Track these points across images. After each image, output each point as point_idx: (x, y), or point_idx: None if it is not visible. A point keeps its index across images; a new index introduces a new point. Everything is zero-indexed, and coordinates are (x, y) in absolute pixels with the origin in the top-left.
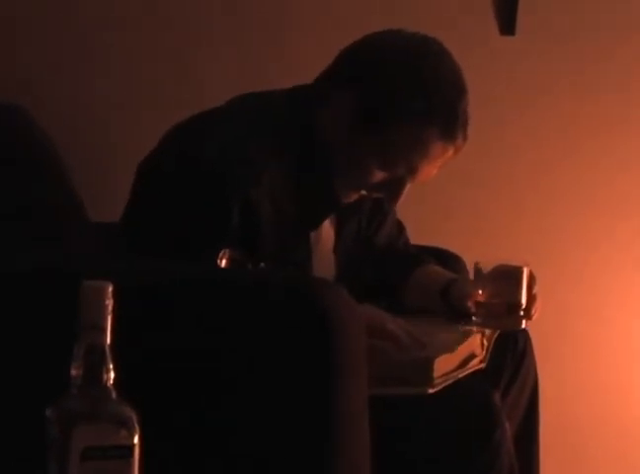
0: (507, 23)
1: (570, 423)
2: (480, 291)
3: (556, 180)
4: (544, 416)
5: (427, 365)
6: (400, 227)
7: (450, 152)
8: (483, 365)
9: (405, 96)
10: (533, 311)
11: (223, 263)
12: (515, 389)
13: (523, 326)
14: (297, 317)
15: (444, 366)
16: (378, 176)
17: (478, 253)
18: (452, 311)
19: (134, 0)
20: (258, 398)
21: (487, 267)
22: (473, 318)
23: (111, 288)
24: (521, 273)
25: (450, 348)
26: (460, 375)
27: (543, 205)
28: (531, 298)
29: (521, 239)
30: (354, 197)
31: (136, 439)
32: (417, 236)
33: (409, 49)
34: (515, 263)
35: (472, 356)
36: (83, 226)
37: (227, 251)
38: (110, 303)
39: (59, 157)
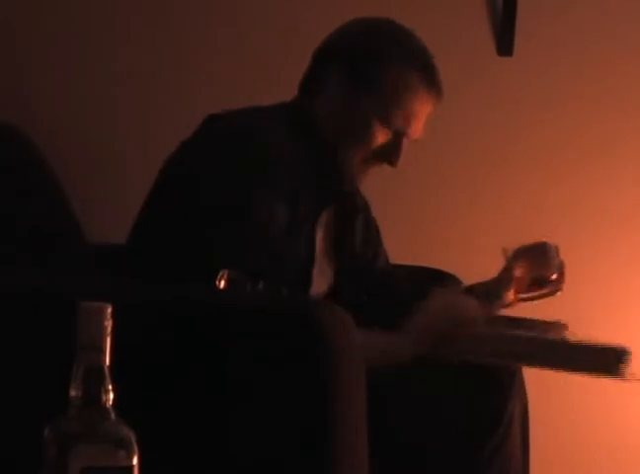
0: (505, 43)
1: (561, 441)
2: (514, 273)
3: (555, 199)
4: (535, 431)
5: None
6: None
7: (431, 102)
8: None
9: (383, 48)
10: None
11: (222, 283)
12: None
13: (562, 290)
14: (295, 340)
15: None
16: (380, 135)
17: (475, 272)
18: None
19: (134, 18)
20: (256, 420)
21: (510, 251)
22: (520, 295)
23: (109, 309)
24: (546, 245)
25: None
26: None
27: (544, 225)
28: (560, 266)
29: None
30: (362, 173)
31: (135, 460)
32: (414, 256)
33: (374, 21)
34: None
35: None
36: (79, 247)
37: (226, 271)
38: (109, 324)
39: (55, 177)
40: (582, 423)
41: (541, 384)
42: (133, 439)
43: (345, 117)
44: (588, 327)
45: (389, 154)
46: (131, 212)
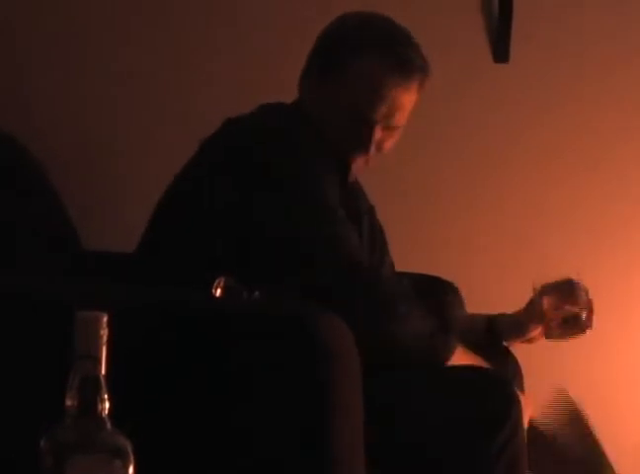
0: (501, 50)
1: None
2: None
3: (553, 204)
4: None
5: None
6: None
7: (404, 89)
8: None
9: (348, 39)
10: (592, 317)
11: (218, 291)
12: None
13: (587, 332)
14: (293, 343)
15: None
16: (353, 126)
17: (474, 275)
18: (495, 343)
19: (134, 19)
20: (255, 423)
21: (539, 286)
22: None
23: (105, 318)
24: (576, 283)
25: None
26: None
27: (540, 231)
28: (589, 305)
29: (522, 267)
30: (354, 162)
31: (131, 470)
32: (414, 259)
33: (354, 14)
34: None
35: None
36: (77, 254)
37: (223, 279)
38: (105, 333)
39: (53, 184)
40: None
41: (542, 384)
42: (129, 449)
43: (320, 109)
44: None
45: (360, 141)
46: (130, 220)
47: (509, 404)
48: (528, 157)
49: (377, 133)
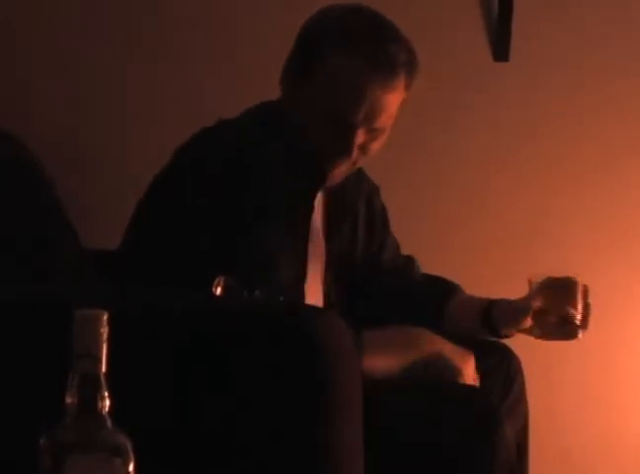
0: (501, 49)
1: (560, 445)
2: (536, 304)
3: (554, 205)
4: (535, 438)
5: None
6: (399, 249)
7: (381, 88)
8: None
9: (319, 36)
10: (588, 321)
11: (218, 290)
12: (507, 404)
13: (580, 336)
14: (292, 348)
15: None
16: (328, 128)
17: (476, 278)
18: (493, 333)
19: (134, 19)
20: (252, 428)
21: (538, 280)
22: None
23: (105, 317)
24: (575, 283)
25: None
26: None
27: (543, 231)
28: (586, 308)
29: (525, 268)
30: (337, 166)
31: (131, 468)
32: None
33: (328, 11)
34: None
35: None
36: (76, 253)
37: (222, 278)
38: (105, 331)
39: (52, 183)
40: (580, 424)
41: (543, 384)
42: (130, 447)
43: (297, 110)
44: (589, 335)
45: (341, 145)
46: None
47: (490, 425)
48: (529, 156)
49: (359, 137)
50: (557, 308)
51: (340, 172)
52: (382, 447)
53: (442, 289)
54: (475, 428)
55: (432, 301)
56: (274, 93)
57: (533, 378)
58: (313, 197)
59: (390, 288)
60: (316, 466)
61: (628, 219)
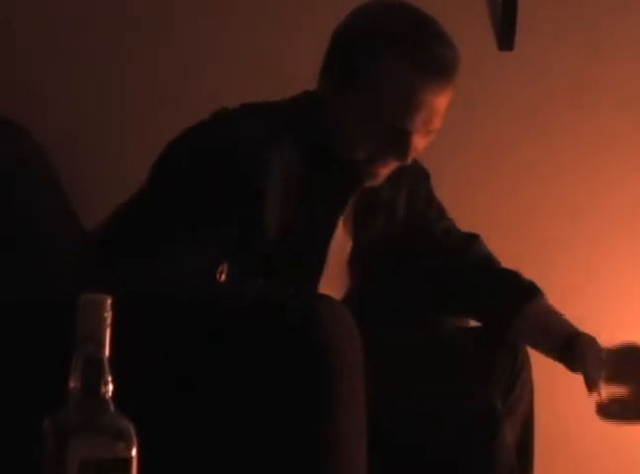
0: (505, 38)
1: (565, 436)
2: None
3: (558, 194)
4: (540, 429)
5: None
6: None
7: (434, 92)
8: None
9: (368, 40)
10: None
11: (222, 277)
12: (510, 402)
13: None
14: (295, 337)
15: None
16: (377, 133)
17: None
18: (571, 363)
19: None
20: (255, 410)
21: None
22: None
23: (109, 301)
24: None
25: None
26: None
27: (547, 223)
28: None
29: (524, 260)
30: (379, 170)
31: (134, 452)
32: None
33: (373, 7)
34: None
35: None
36: (79, 239)
37: (227, 265)
38: (108, 316)
39: (54, 170)
40: (589, 428)
41: (545, 384)
42: (132, 431)
43: (340, 114)
44: (582, 327)
45: (396, 152)
46: None
47: (492, 429)
48: (532, 145)
49: (415, 142)
50: (617, 386)
51: (385, 173)
52: (383, 447)
53: (523, 286)
54: (475, 428)
55: (508, 296)
56: (275, 93)
57: (540, 381)
58: (347, 199)
59: (442, 273)
60: (320, 457)
61: (628, 207)
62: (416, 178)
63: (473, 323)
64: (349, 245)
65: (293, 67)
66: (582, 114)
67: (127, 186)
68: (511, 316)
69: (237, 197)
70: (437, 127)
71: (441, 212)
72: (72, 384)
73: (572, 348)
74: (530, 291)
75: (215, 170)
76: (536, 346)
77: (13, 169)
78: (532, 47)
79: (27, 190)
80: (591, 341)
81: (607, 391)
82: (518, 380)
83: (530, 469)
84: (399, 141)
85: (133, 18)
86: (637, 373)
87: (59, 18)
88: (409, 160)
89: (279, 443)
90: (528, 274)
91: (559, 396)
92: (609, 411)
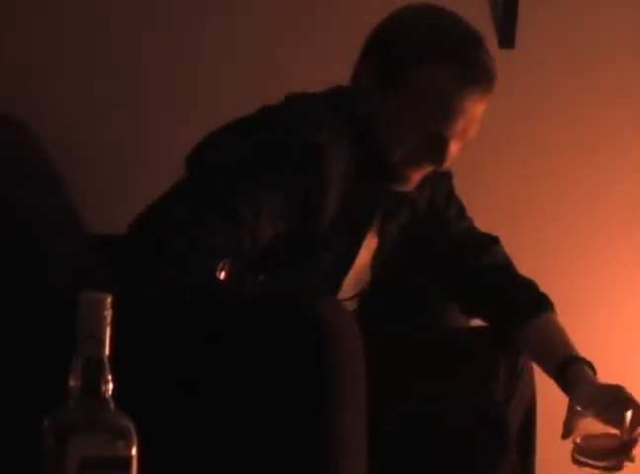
0: (506, 36)
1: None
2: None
3: (556, 191)
4: (541, 429)
5: None
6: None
7: (473, 98)
8: None
9: (411, 46)
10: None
11: (222, 274)
12: (512, 401)
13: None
14: (294, 336)
15: None
16: (417, 138)
17: None
18: (564, 387)
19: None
20: (253, 414)
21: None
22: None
23: (109, 299)
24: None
25: None
26: None
27: (546, 218)
28: (634, 436)
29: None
30: (413, 174)
31: (134, 451)
32: None
33: (412, 11)
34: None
35: None
36: (79, 237)
37: (227, 262)
38: (108, 314)
39: (55, 167)
40: None
41: (546, 384)
42: (133, 430)
43: (378, 117)
44: (574, 322)
45: (432, 157)
46: (132, 203)
47: (498, 438)
48: (533, 143)
49: (452, 148)
50: (595, 431)
51: (417, 178)
52: (383, 447)
53: (535, 299)
54: (475, 428)
55: (518, 306)
56: (275, 93)
57: (541, 381)
58: (383, 202)
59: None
60: (317, 463)
61: (623, 204)
62: (439, 176)
63: (474, 323)
64: (374, 242)
65: (293, 67)
66: (583, 110)
67: (128, 186)
68: (516, 326)
69: (304, 193)
70: (473, 135)
71: (461, 211)
72: (72, 383)
73: (566, 373)
74: (540, 305)
75: (287, 165)
76: (535, 360)
77: (13, 168)
78: (533, 45)
79: (27, 189)
80: (584, 371)
81: (584, 435)
82: (519, 380)
83: (532, 469)
84: (437, 146)
85: (134, 18)
86: (619, 420)
87: (59, 17)
88: (444, 166)
89: (279, 443)
90: (528, 274)
91: (560, 396)
92: (581, 460)
